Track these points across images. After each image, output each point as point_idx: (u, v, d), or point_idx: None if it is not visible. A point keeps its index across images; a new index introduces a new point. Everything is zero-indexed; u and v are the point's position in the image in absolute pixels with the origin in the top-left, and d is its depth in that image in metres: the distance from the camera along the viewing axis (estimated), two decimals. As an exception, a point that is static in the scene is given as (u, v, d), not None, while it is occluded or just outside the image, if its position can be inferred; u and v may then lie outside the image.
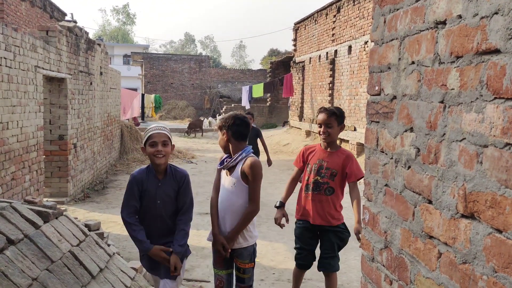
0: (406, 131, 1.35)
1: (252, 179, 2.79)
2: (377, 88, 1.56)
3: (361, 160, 10.79)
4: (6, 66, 5.03)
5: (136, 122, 19.27)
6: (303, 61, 16.99)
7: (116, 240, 5.18)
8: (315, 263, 3.52)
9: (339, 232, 3.41)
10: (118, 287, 3.02)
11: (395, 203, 1.42)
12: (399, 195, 1.40)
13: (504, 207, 0.92)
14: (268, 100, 23.67)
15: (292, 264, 4.76)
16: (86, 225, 3.72)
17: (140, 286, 3.39)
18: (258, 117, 22.39)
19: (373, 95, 1.60)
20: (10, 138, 5.22)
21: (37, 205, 3.13)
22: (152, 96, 21.19)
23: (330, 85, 13.92)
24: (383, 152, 1.51)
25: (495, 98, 0.95)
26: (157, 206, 2.71)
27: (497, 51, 0.94)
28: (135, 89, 30.08)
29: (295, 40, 18.40)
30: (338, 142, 13.36)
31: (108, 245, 3.72)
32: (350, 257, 5.03)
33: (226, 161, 2.89)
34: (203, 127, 20.68)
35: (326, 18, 14.55)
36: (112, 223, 6.05)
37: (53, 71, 6.54)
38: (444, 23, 1.15)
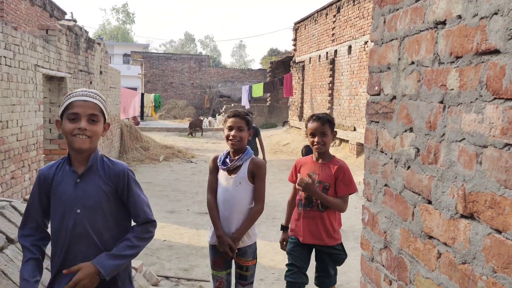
0: (405, 131, 1.35)
1: (259, 179, 2.82)
2: (376, 88, 1.56)
3: (360, 160, 10.80)
4: (5, 65, 5.03)
5: (136, 121, 19.26)
6: (303, 61, 16.99)
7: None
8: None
9: (333, 254, 3.06)
10: (117, 286, 3.02)
11: (395, 203, 1.42)
12: (398, 195, 1.40)
13: (503, 208, 0.92)
14: (268, 100, 23.66)
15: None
16: (86, 225, 3.72)
17: (140, 285, 3.39)
18: (258, 117, 22.40)
19: (372, 95, 1.60)
20: (10, 137, 5.21)
21: (36, 204, 3.12)
22: (152, 95, 21.17)
23: (330, 85, 13.92)
24: (382, 152, 1.52)
25: (495, 98, 0.95)
26: (76, 218, 1.76)
27: (496, 52, 0.94)
28: (135, 89, 30.06)
29: (295, 40, 18.40)
30: (338, 141, 13.42)
31: (108, 245, 3.71)
32: (349, 257, 5.01)
33: (230, 160, 2.85)
34: (203, 127, 20.67)
35: (326, 18, 14.55)
36: (112, 222, 6.05)
37: (53, 70, 6.53)
38: (443, 23, 1.15)
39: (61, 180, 1.80)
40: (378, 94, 1.55)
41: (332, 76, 13.86)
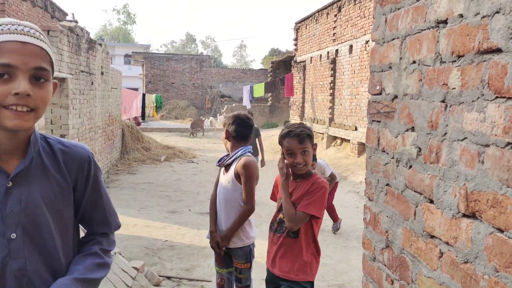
0: (407, 130, 1.35)
1: (245, 179, 2.77)
2: (378, 87, 1.56)
3: (362, 160, 10.79)
4: (7, 66, 5.04)
5: (137, 121, 19.27)
6: (304, 61, 16.98)
7: (117, 240, 5.19)
8: None
9: None
10: (119, 286, 3.03)
11: (396, 203, 1.42)
12: (400, 194, 1.39)
13: (505, 207, 0.91)
14: (269, 99, 23.66)
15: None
16: (88, 225, 3.72)
17: (141, 285, 3.39)
18: (259, 117, 22.39)
19: (374, 94, 1.60)
20: (12, 138, 5.22)
21: (38, 205, 3.12)
22: (153, 95, 21.19)
23: (331, 84, 13.91)
24: (384, 151, 1.51)
25: (497, 97, 0.94)
26: (9, 247, 1.09)
27: (498, 50, 0.94)
28: (136, 89, 30.06)
29: (296, 39, 18.39)
30: (339, 141, 13.40)
31: (110, 245, 3.71)
32: (351, 256, 5.03)
33: (223, 159, 2.91)
34: (204, 127, 20.68)
35: (327, 18, 14.54)
36: (113, 222, 6.06)
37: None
38: (445, 22, 1.14)
39: None
40: (380, 94, 1.55)
41: (333, 75, 13.85)
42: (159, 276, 4.11)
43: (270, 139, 17.15)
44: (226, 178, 2.87)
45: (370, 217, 1.64)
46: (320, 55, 15.15)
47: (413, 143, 1.31)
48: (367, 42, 11.43)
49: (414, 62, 1.31)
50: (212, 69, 31.98)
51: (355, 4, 12.30)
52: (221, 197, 2.88)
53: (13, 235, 1.09)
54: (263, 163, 7.43)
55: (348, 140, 12.36)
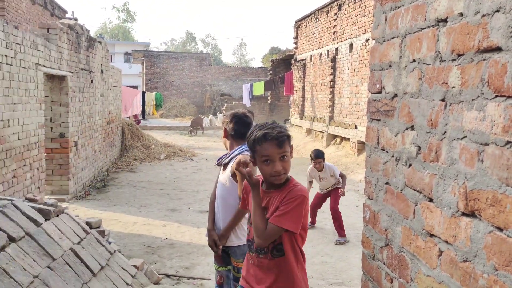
0: (407, 129, 1.35)
1: (241, 178, 2.70)
2: (378, 86, 1.56)
3: (361, 159, 10.79)
4: (7, 63, 5.03)
5: (137, 119, 19.27)
6: (304, 59, 16.97)
7: (117, 238, 5.19)
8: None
9: None
10: (119, 284, 3.03)
11: (396, 201, 1.42)
12: (399, 193, 1.40)
13: (505, 205, 0.92)
14: (269, 98, 23.66)
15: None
16: (87, 223, 3.73)
17: (141, 283, 3.39)
18: (259, 115, 22.37)
19: (374, 93, 1.60)
20: (11, 136, 5.22)
21: (38, 203, 3.14)
22: (153, 94, 21.19)
23: (331, 83, 13.91)
24: (384, 150, 1.51)
25: (496, 96, 0.94)
26: None
27: (498, 49, 0.94)
28: (136, 87, 30.08)
29: (296, 38, 18.38)
30: (339, 139, 13.39)
31: (109, 243, 3.72)
32: (350, 255, 5.03)
33: (222, 158, 2.91)
34: (204, 125, 20.68)
35: (327, 16, 14.53)
36: (113, 221, 6.06)
37: (54, 68, 6.54)
38: (445, 21, 1.14)
39: None
40: (380, 92, 1.55)
41: (333, 74, 13.85)
42: (159, 274, 4.11)
43: (270, 138, 17.12)
44: (224, 176, 2.87)
45: (369, 216, 1.64)
46: (320, 54, 15.14)
47: (413, 141, 1.31)
48: (367, 40, 11.42)
49: (414, 60, 1.31)
50: (212, 67, 31.94)
51: (355, 3, 12.29)
52: (219, 195, 2.89)
53: None
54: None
55: (348, 139, 12.36)
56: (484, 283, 0.98)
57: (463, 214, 1.06)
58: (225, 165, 2.91)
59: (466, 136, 1.05)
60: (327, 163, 5.83)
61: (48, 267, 2.51)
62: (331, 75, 13.92)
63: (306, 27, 16.97)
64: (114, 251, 3.41)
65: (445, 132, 1.14)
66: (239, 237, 2.86)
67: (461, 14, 1.07)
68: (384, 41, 1.51)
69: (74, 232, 3.06)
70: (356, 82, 12.11)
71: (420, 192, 1.27)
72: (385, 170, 1.50)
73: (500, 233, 0.93)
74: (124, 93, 13.24)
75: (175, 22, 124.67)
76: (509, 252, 0.90)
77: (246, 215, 2.86)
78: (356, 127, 11.83)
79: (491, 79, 0.96)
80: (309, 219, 6.17)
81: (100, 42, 9.42)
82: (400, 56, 1.39)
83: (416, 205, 1.29)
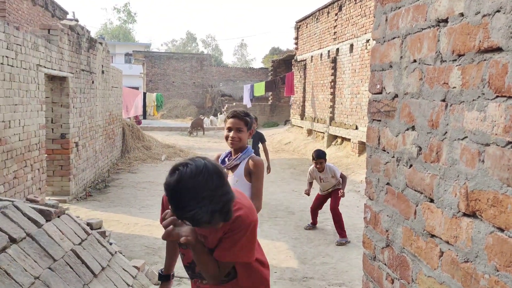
0: (407, 129, 1.35)
1: (256, 177, 2.84)
2: (378, 86, 1.56)
3: (362, 159, 10.78)
4: (8, 65, 5.04)
5: (138, 120, 19.28)
6: (305, 60, 16.97)
7: (118, 239, 5.20)
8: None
9: None
10: (120, 285, 3.03)
11: (397, 202, 1.42)
12: (400, 193, 1.39)
13: (506, 206, 0.91)
14: (269, 98, 23.66)
15: (294, 263, 4.77)
16: (88, 224, 3.73)
17: (142, 284, 3.39)
18: (260, 116, 22.38)
19: (374, 93, 1.60)
20: (12, 137, 5.23)
21: (39, 204, 3.14)
22: (154, 94, 21.18)
23: (332, 83, 13.90)
24: (384, 150, 1.51)
25: (497, 96, 0.94)
26: None
27: (499, 49, 0.94)
28: (137, 88, 30.10)
29: (296, 38, 18.38)
30: (340, 140, 13.39)
31: (110, 244, 3.72)
32: (351, 255, 5.03)
33: (229, 159, 2.93)
34: (204, 126, 20.69)
35: (328, 16, 14.53)
36: (114, 221, 6.07)
37: (54, 69, 6.54)
38: (446, 21, 1.14)
39: None
40: (380, 93, 1.55)
41: (334, 74, 13.84)
42: (160, 275, 4.10)
43: (270, 138, 17.14)
44: (233, 177, 2.87)
45: (370, 216, 1.64)
46: (321, 54, 15.14)
47: (414, 142, 1.31)
48: (367, 41, 11.42)
49: (414, 61, 1.31)
50: (212, 68, 31.96)
51: (355, 3, 12.29)
52: None
53: None
54: (269, 169, 7.20)
55: (349, 139, 12.35)
56: (485, 284, 0.97)
57: (464, 214, 1.06)
58: (232, 167, 2.91)
59: (467, 137, 1.05)
60: (328, 163, 5.81)
61: (49, 268, 2.51)
62: (331, 75, 13.92)
63: (306, 27, 16.97)
64: (115, 252, 3.41)
65: (446, 132, 1.14)
66: None
67: (462, 15, 1.07)
68: (384, 41, 1.51)
69: (75, 233, 3.06)
70: (356, 82, 12.11)
71: (421, 193, 1.26)
72: (386, 170, 1.50)
73: (501, 234, 0.93)
74: (125, 94, 13.25)
75: (175, 23, 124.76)
76: (510, 252, 0.90)
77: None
78: (357, 128, 11.82)
79: (491, 80, 0.96)
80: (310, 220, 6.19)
81: (101, 43, 9.43)
82: (401, 57, 1.39)
83: (417, 206, 1.29)
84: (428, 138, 1.22)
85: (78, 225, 3.21)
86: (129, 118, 14.82)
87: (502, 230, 0.93)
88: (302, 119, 17.04)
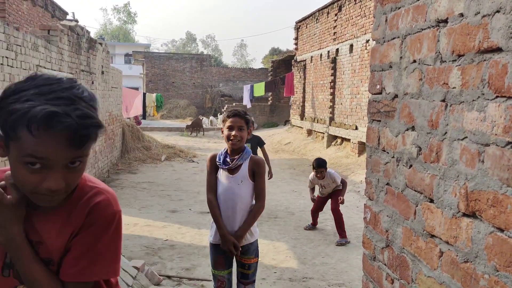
0: (407, 129, 1.35)
1: (259, 176, 2.84)
2: (378, 86, 1.56)
3: (362, 159, 10.78)
4: (7, 65, 5.04)
5: (138, 121, 19.27)
6: (305, 60, 16.97)
7: (118, 239, 5.19)
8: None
9: None
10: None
11: (397, 202, 1.42)
12: (400, 194, 1.39)
13: (505, 206, 0.91)
14: (269, 99, 23.65)
15: (293, 263, 4.77)
16: (88, 224, 3.72)
17: (141, 285, 3.39)
18: (260, 116, 22.38)
19: (374, 94, 1.60)
20: (12, 137, 5.22)
21: (39, 204, 3.13)
22: (154, 95, 21.19)
23: (332, 84, 13.91)
24: (384, 151, 1.51)
25: (497, 96, 0.94)
26: None
27: (499, 50, 0.94)
28: (137, 88, 30.08)
29: (296, 38, 18.38)
30: (340, 140, 13.40)
31: (110, 244, 3.72)
32: (351, 255, 5.03)
33: (230, 160, 2.86)
34: (203, 126, 20.70)
35: (328, 17, 14.54)
36: (114, 222, 6.06)
37: (54, 70, 6.54)
38: (445, 21, 1.14)
39: None
40: (380, 93, 1.55)
41: (334, 75, 13.85)
42: (160, 275, 4.11)
43: (270, 139, 17.14)
44: (235, 178, 2.83)
45: (370, 217, 1.64)
46: (321, 54, 15.14)
47: (413, 142, 1.31)
48: (367, 41, 11.42)
49: (414, 61, 1.31)
50: (212, 68, 31.95)
51: (355, 3, 12.29)
52: (231, 198, 2.81)
53: None
54: (270, 174, 6.63)
55: (349, 140, 12.35)
56: (485, 284, 0.98)
57: (464, 214, 1.06)
58: (234, 168, 2.86)
59: (466, 137, 1.05)
60: (329, 170, 5.79)
61: (49, 268, 2.51)
62: (331, 76, 13.92)
63: (306, 28, 16.98)
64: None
65: (445, 132, 1.14)
66: (253, 234, 2.90)
67: (462, 15, 1.07)
68: (384, 41, 1.51)
69: (75, 234, 3.06)
70: (356, 83, 12.11)
71: (421, 193, 1.26)
72: (385, 171, 1.50)
73: (501, 234, 0.93)
74: (124, 94, 13.24)
75: (175, 23, 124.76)
76: (510, 252, 0.90)
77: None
78: (356, 128, 11.82)
79: (491, 80, 0.96)
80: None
81: (100, 44, 9.43)
82: (401, 57, 1.39)
83: (416, 206, 1.29)
84: (428, 138, 1.22)
85: (78, 226, 3.21)
86: (129, 118, 14.82)
87: (502, 230, 0.93)
88: (302, 119, 17.04)
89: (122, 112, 12.48)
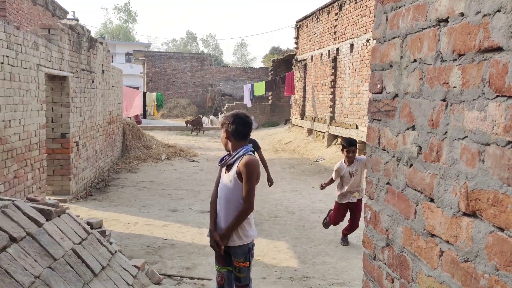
0: (408, 129, 1.35)
1: (246, 178, 2.78)
2: (379, 86, 1.56)
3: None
4: (8, 64, 5.04)
5: (138, 119, 19.28)
6: (305, 59, 16.97)
7: (118, 238, 5.20)
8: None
9: None
10: (120, 284, 3.03)
11: (397, 201, 1.42)
12: (400, 193, 1.39)
13: (506, 205, 0.91)
14: (269, 98, 23.65)
15: (294, 263, 4.77)
16: (88, 223, 3.73)
17: (142, 284, 3.40)
18: (260, 115, 22.38)
19: (375, 93, 1.60)
20: (13, 136, 5.23)
21: (39, 203, 3.14)
22: (154, 94, 21.18)
23: (332, 83, 13.90)
24: (385, 150, 1.51)
25: (497, 96, 0.94)
26: None
27: (499, 49, 0.94)
28: (137, 87, 30.11)
29: (297, 38, 18.37)
30: (340, 140, 13.37)
31: (110, 243, 3.73)
32: (351, 255, 5.03)
33: (225, 158, 2.93)
34: (204, 125, 20.72)
35: (328, 16, 14.53)
36: (114, 221, 6.07)
37: (55, 69, 6.54)
38: (446, 21, 1.14)
39: None
40: (380, 92, 1.55)
41: (334, 74, 13.84)
42: (160, 274, 4.11)
43: (271, 138, 17.16)
44: (228, 177, 2.88)
45: (370, 216, 1.64)
46: (321, 54, 15.14)
47: (414, 141, 1.31)
48: (368, 40, 11.41)
49: (415, 60, 1.31)
50: (213, 67, 31.94)
51: (356, 3, 12.28)
52: (222, 196, 2.90)
53: None
54: (270, 181, 6.04)
55: (349, 139, 12.33)
56: (485, 283, 0.98)
57: (464, 214, 1.06)
58: (229, 166, 2.91)
59: (467, 136, 1.05)
60: (361, 156, 5.17)
61: (49, 267, 2.51)
62: (332, 75, 13.92)
63: (307, 27, 16.97)
64: (115, 252, 3.41)
65: (446, 132, 1.14)
66: (241, 237, 2.87)
67: (462, 14, 1.07)
68: (385, 41, 1.51)
69: (75, 233, 3.06)
70: (357, 82, 12.11)
71: (421, 192, 1.27)
72: (386, 170, 1.50)
73: (501, 233, 0.93)
74: (125, 94, 13.25)
75: (176, 22, 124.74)
76: (510, 252, 0.90)
77: (250, 216, 2.88)
78: (357, 127, 11.82)
79: (492, 79, 0.96)
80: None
81: (101, 43, 9.43)
82: (401, 56, 1.39)
83: (417, 205, 1.29)
84: (429, 137, 1.22)
85: (78, 225, 3.21)
86: (129, 117, 14.82)
87: (502, 229, 0.93)
88: (302, 118, 17.03)
89: (123, 111, 12.48)
